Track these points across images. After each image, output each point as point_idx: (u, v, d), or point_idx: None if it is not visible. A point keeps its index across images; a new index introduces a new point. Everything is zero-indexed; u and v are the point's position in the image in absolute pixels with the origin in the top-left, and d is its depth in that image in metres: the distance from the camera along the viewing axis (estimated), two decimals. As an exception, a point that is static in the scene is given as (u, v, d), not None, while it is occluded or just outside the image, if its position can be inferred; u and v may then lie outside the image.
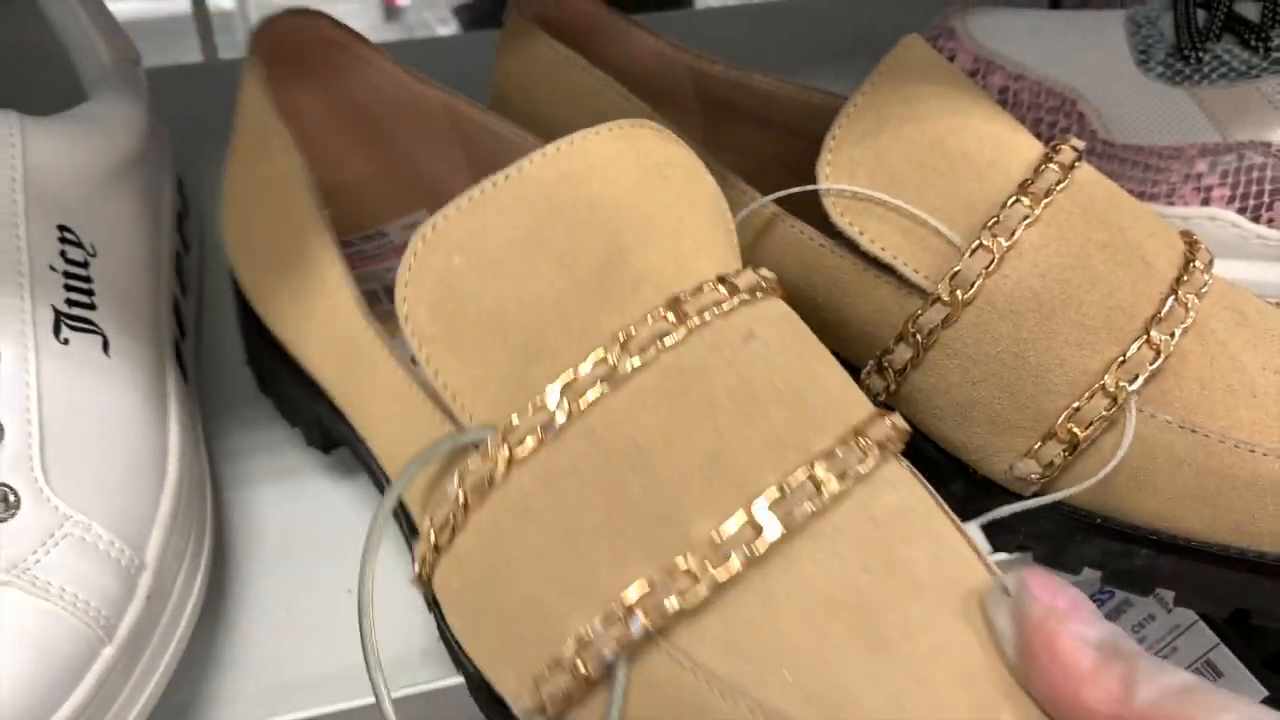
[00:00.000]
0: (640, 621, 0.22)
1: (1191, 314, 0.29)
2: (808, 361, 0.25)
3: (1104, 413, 0.29)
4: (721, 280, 0.25)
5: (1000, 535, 0.32)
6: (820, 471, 0.23)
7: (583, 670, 0.22)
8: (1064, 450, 0.29)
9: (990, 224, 0.30)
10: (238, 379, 0.38)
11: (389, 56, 0.38)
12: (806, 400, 0.24)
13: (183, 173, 0.45)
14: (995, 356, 0.30)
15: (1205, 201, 0.38)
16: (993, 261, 0.30)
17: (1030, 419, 0.30)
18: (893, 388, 0.32)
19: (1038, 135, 0.40)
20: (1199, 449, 0.28)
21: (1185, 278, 0.30)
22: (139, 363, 0.31)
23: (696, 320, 0.24)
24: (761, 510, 0.22)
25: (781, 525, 0.22)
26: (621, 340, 0.24)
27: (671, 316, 0.24)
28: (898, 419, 0.25)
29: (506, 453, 0.24)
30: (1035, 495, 0.30)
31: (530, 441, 0.24)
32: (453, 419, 0.26)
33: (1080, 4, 0.51)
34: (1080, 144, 0.32)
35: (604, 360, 0.24)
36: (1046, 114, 0.40)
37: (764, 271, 0.27)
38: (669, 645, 0.22)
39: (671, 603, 0.22)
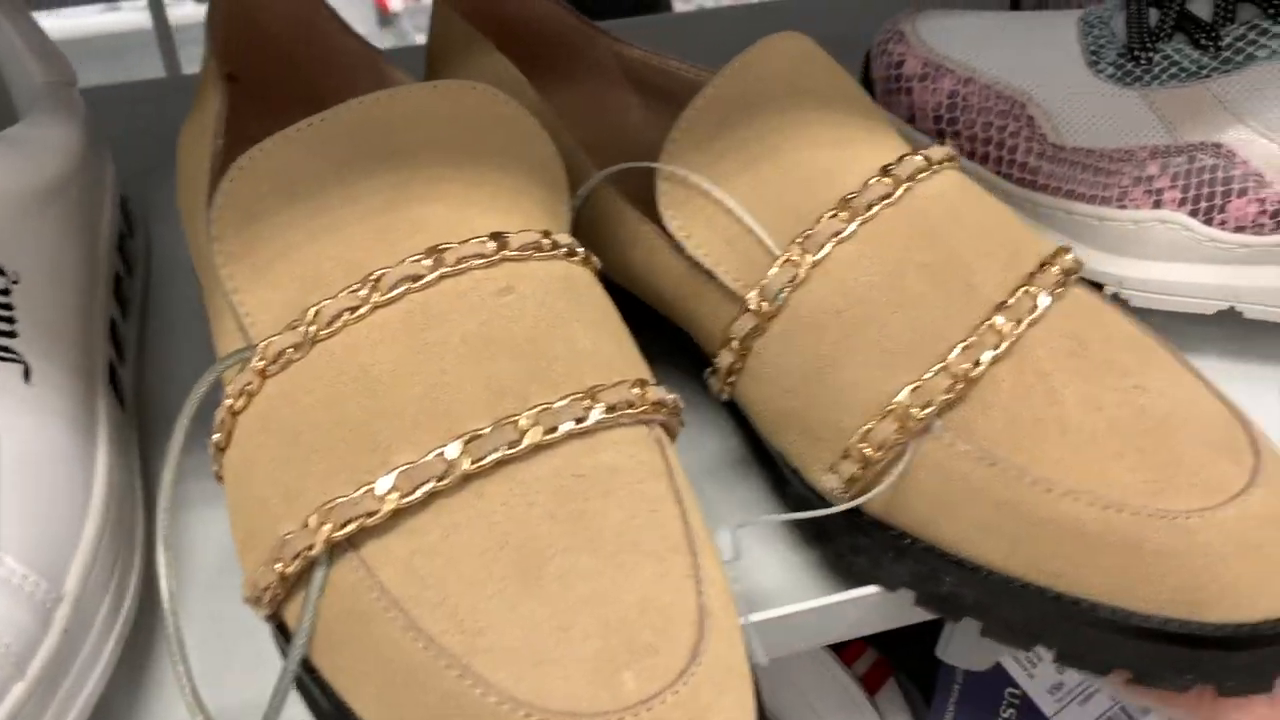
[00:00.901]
0: (326, 531, 0.24)
1: (1006, 341, 0.28)
2: (565, 321, 0.27)
3: (894, 436, 0.28)
4: (495, 236, 0.27)
5: (822, 544, 0.32)
6: (524, 421, 0.24)
7: (282, 569, 0.24)
8: (859, 468, 0.29)
9: (801, 238, 0.29)
10: (183, 399, 0.37)
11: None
12: (544, 355, 0.26)
13: (137, 190, 0.45)
14: (800, 370, 0.30)
15: (1157, 204, 0.37)
16: (796, 276, 0.29)
17: (831, 434, 0.29)
18: (724, 391, 0.32)
19: (987, 139, 0.40)
20: (996, 481, 0.27)
21: (1010, 302, 0.29)
22: (63, 390, 0.30)
23: (451, 268, 0.27)
24: (455, 448, 0.24)
25: (471, 463, 0.24)
26: (376, 278, 0.26)
27: (428, 262, 0.26)
28: (657, 391, 0.27)
29: (260, 365, 0.26)
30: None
31: (281, 359, 0.26)
32: (245, 336, 0.28)
33: (1038, 5, 0.50)
34: (941, 152, 0.31)
35: (356, 292, 0.26)
36: (996, 117, 0.39)
37: (564, 238, 0.29)
38: (358, 557, 0.24)
39: (359, 519, 0.24)
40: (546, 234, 0.29)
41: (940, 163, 0.31)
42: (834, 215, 0.29)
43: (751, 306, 0.30)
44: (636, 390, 0.26)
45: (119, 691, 0.30)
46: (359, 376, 0.26)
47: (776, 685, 0.48)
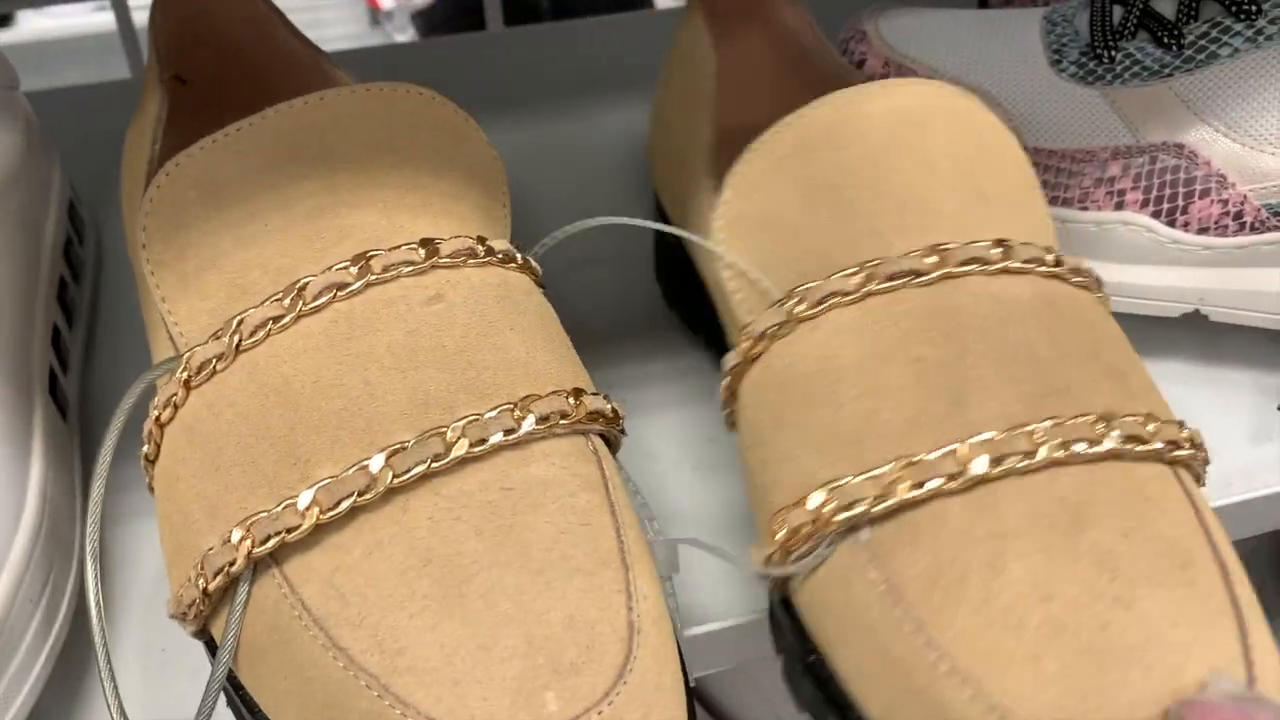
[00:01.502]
0: (247, 547, 0.23)
1: (966, 478, 0.23)
2: (498, 329, 0.26)
3: (806, 529, 0.25)
4: (426, 243, 0.27)
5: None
6: (451, 433, 0.24)
7: (205, 585, 0.24)
8: (774, 552, 0.26)
9: (804, 287, 0.27)
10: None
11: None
12: (474, 364, 0.25)
13: (91, 194, 0.44)
14: (758, 425, 0.28)
15: (1119, 206, 0.37)
16: (784, 324, 0.27)
17: (760, 506, 0.27)
18: (727, 420, 0.31)
19: (949, 140, 0.39)
20: (891, 628, 0.23)
21: (997, 437, 0.24)
22: (-5, 401, 0.30)
23: (378, 276, 0.26)
24: (378, 461, 0.23)
25: (394, 477, 0.23)
26: (300, 286, 0.26)
27: (354, 269, 0.26)
28: (594, 401, 0.26)
29: (184, 376, 0.26)
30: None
31: (205, 370, 0.26)
32: (174, 345, 0.27)
33: (1005, 3, 0.50)
34: (1071, 265, 0.28)
35: (280, 301, 0.26)
36: (957, 118, 0.39)
37: (501, 244, 0.28)
38: (280, 573, 0.23)
39: (279, 535, 0.23)
40: (481, 240, 0.28)
41: (1055, 269, 0.27)
42: (849, 274, 0.27)
43: (739, 343, 0.28)
44: (571, 400, 0.26)
45: (53, 706, 0.29)
46: (281, 388, 0.25)
47: (741, 690, 0.48)
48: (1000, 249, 0.27)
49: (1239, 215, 0.36)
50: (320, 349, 0.25)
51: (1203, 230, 0.36)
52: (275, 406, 0.25)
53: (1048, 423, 0.24)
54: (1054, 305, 0.27)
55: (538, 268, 0.30)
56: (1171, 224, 0.36)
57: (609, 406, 0.27)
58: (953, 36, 0.41)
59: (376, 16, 2.01)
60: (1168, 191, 0.36)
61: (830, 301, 0.27)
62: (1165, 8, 0.38)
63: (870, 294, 0.26)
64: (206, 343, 0.26)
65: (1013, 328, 0.26)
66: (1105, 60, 0.38)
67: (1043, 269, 0.27)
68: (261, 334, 0.25)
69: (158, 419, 0.26)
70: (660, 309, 0.41)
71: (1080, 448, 0.24)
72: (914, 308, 0.26)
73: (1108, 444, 0.24)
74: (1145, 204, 0.36)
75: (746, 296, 0.29)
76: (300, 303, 0.26)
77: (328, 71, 0.38)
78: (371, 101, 0.29)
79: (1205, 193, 0.36)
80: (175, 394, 0.26)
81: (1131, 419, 0.25)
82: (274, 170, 0.27)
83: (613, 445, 0.28)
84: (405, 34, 1.34)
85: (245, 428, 0.25)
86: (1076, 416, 0.24)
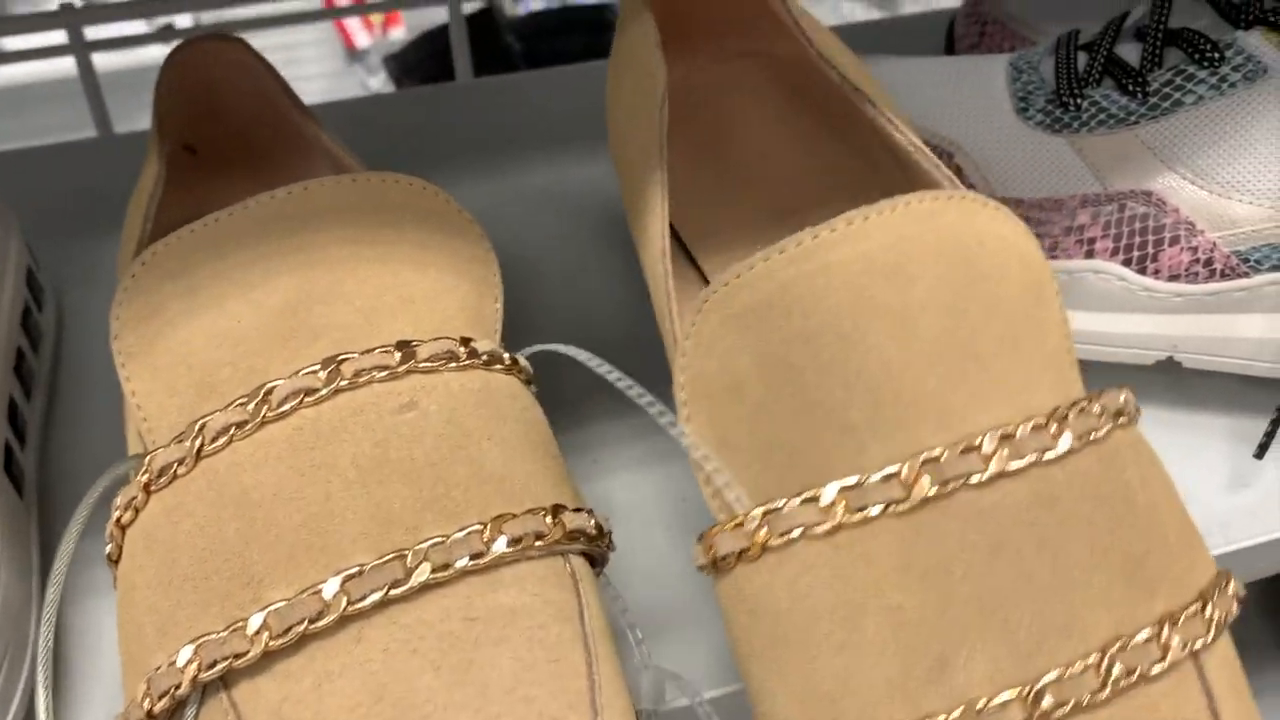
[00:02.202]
0: (193, 671, 0.22)
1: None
2: (474, 440, 0.25)
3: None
4: (402, 345, 0.25)
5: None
6: (413, 557, 0.22)
7: (150, 705, 0.23)
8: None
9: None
10: (93, 480, 0.36)
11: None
12: (444, 480, 0.24)
13: (53, 259, 0.43)
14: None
15: (1089, 254, 0.37)
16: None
17: None
18: None
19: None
20: None
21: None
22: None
23: (348, 381, 0.24)
24: (333, 586, 0.22)
25: (349, 604, 0.22)
26: (266, 391, 0.24)
27: (323, 374, 0.25)
28: (576, 519, 0.24)
29: (145, 480, 0.25)
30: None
31: (166, 475, 0.25)
32: (142, 441, 0.27)
33: (971, 48, 0.50)
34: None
35: (245, 406, 0.24)
36: (925, 168, 0.39)
37: (485, 345, 0.27)
38: (229, 699, 0.22)
39: (227, 660, 0.22)
40: (465, 341, 0.26)
41: (1076, 446, 0.23)
42: (819, 505, 0.23)
43: (704, 549, 0.25)
44: (549, 519, 0.24)
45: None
46: (240, 498, 0.24)
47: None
48: (996, 440, 0.22)
49: (1209, 262, 0.35)
50: (282, 458, 0.24)
51: (1173, 278, 0.36)
52: (232, 519, 0.24)
53: (1050, 675, 0.21)
54: (1059, 504, 0.23)
55: (527, 367, 0.28)
56: (1142, 271, 0.36)
57: (592, 523, 0.25)
58: (918, 83, 0.41)
59: (352, 55, 2.01)
60: (1137, 239, 0.36)
61: (797, 532, 0.23)
62: (1129, 55, 0.38)
63: (841, 527, 0.23)
64: (169, 445, 0.25)
65: (1005, 558, 0.22)
66: (1071, 108, 0.37)
67: (1052, 455, 0.23)
68: (224, 440, 0.25)
69: (118, 520, 0.26)
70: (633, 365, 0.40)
71: (1084, 700, 0.21)
72: (890, 542, 0.23)
73: (1121, 704, 0.21)
74: (1115, 252, 0.36)
75: (714, 491, 0.25)
76: (265, 408, 0.25)
77: (327, 147, 0.37)
78: (355, 193, 0.28)
79: (1175, 240, 0.36)
80: (135, 497, 0.25)
81: (1147, 645, 0.22)
82: (250, 264, 0.26)
83: (598, 562, 0.26)
84: (378, 76, 1.34)
85: (201, 540, 0.24)
86: (1079, 664, 0.21)
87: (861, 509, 0.23)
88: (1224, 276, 0.35)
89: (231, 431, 0.24)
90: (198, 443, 0.25)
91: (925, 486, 0.22)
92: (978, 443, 0.23)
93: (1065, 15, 0.47)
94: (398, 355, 0.25)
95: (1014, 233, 0.25)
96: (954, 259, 0.24)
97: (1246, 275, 0.35)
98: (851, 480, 0.23)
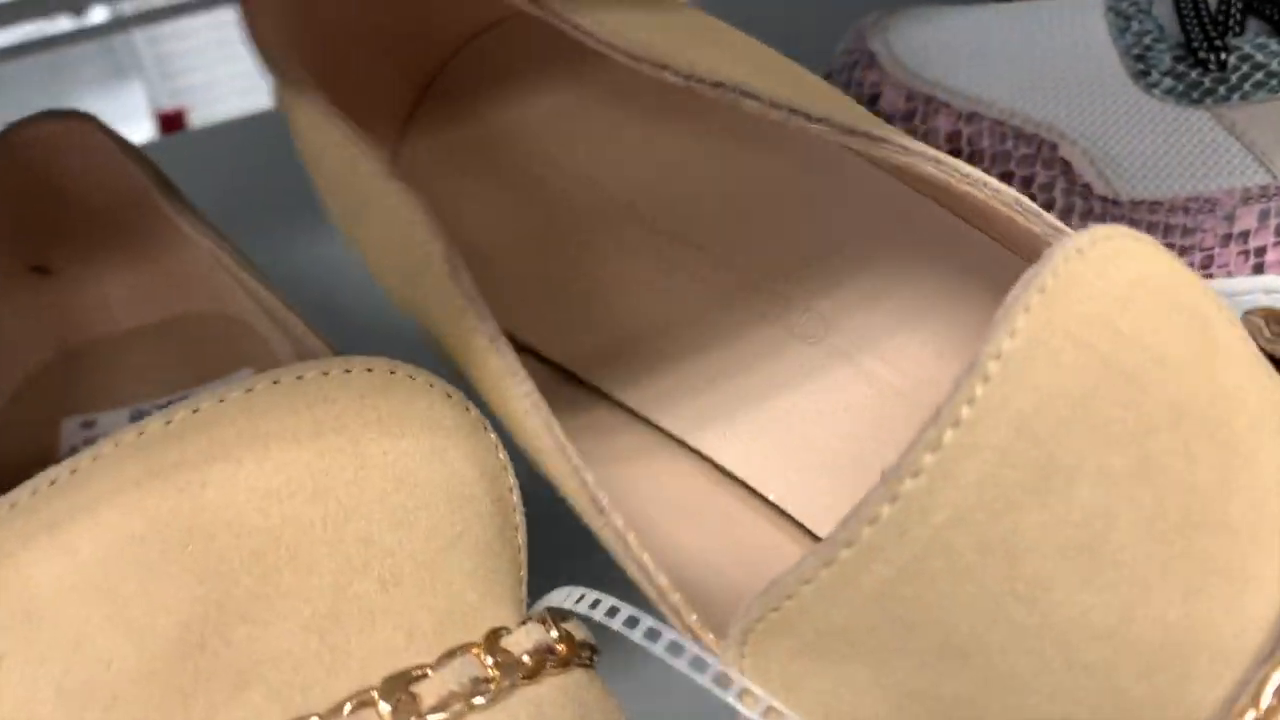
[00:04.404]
0: None
1: None
2: None
3: None
4: (391, 689, 0.15)
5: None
6: None
7: None
8: None
9: None
10: None
11: None
12: None
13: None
14: None
15: (1258, 269, 0.27)
16: None
17: None
18: None
19: (1008, 197, 0.29)
20: None
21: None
22: None
23: None
24: None
25: None
26: None
27: None
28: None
29: None
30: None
31: None
32: None
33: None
34: None
35: None
36: (1018, 166, 0.29)
37: (521, 640, 0.16)
38: None
39: None
40: (494, 642, 0.16)
41: None
42: None
43: None
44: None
45: None
46: None
47: None
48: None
49: None
50: None
51: (1378, 292, 0.26)
52: None
53: None
54: None
55: (589, 637, 0.18)
56: (1335, 288, 0.26)
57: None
58: (992, 46, 0.31)
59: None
60: (1326, 245, 0.26)
61: None
62: (1283, -18, 0.28)
63: None
64: None
65: None
66: (1212, 66, 0.27)
67: None
68: None
69: None
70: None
71: None
72: None
73: None
74: (1296, 264, 0.27)
75: None
76: None
77: (212, 247, 0.27)
78: (298, 405, 0.16)
79: (1379, 241, 0.26)
80: None
81: None
82: (124, 562, 0.15)
83: None
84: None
85: None
86: None
87: None
88: None
89: None
90: None
91: None
92: None
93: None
94: (387, 708, 0.15)
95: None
96: None
97: None
98: None
